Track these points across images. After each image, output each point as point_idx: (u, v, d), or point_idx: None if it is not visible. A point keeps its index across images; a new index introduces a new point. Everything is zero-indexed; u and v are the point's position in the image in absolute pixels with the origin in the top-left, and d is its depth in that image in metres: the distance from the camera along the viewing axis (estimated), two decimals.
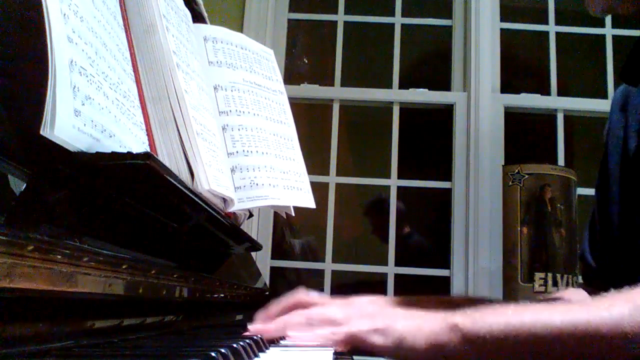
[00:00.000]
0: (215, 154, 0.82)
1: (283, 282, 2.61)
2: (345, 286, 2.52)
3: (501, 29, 2.38)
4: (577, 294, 0.90)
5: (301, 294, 0.78)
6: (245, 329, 0.71)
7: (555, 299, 0.92)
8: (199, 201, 0.69)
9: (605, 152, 0.87)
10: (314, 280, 2.48)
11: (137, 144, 0.61)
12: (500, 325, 0.58)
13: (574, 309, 0.58)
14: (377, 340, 0.63)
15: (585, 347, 0.56)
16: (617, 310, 0.55)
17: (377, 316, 0.67)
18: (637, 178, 0.77)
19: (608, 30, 2.38)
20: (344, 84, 2.43)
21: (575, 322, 0.56)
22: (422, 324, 0.62)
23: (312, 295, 0.78)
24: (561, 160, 2.30)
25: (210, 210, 0.73)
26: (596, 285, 0.89)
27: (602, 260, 0.88)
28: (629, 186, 0.79)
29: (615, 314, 0.55)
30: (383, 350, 0.63)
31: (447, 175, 2.31)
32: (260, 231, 2.23)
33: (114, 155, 0.52)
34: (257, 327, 0.71)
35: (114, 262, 0.51)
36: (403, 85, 2.42)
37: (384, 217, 2.35)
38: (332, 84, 2.42)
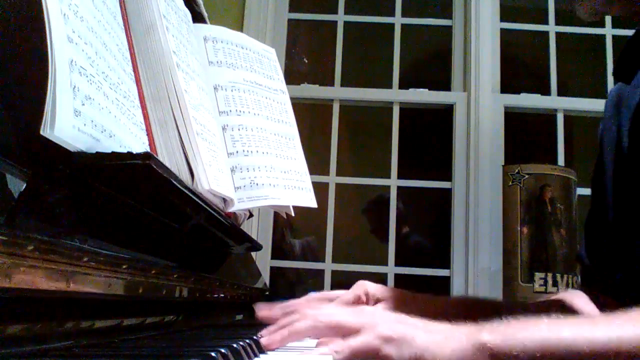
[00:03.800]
0: (215, 154, 0.82)
1: (283, 282, 2.61)
2: (345, 286, 2.51)
3: (501, 29, 2.38)
4: (577, 297, 0.90)
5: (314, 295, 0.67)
6: (245, 328, 0.70)
7: (556, 301, 0.92)
8: (199, 201, 0.69)
9: (600, 149, 0.87)
10: (314, 281, 2.48)
11: (137, 144, 0.61)
12: (535, 342, 0.52)
13: (618, 323, 0.53)
14: (391, 351, 0.56)
15: None
16: None
17: (392, 324, 0.59)
18: (631, 177, 0.75)
19: (608, 30, 2.38)
20: (344, 84, 2.43)
21: (623, 337, 0.51)
22: (443, 341, 0.56)
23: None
24: (561, 160, 2.30)
25: (210, 210, 0.73)
26: (594, 285, 0.89)
27: (597, 259, 0.87)
28: (623, 186, 0.79)
29: None
30: None
31: (447, 175, 2.31)
32: (260, 231, 2.23)
33: (114, 155, 0.51)
34: (263, 340, 0.63)
35: (114, 262, 0.51)
36: (403, 85, 2.42)
37: (382, 217, 2.34)
38: (332, 84, 2.42)
